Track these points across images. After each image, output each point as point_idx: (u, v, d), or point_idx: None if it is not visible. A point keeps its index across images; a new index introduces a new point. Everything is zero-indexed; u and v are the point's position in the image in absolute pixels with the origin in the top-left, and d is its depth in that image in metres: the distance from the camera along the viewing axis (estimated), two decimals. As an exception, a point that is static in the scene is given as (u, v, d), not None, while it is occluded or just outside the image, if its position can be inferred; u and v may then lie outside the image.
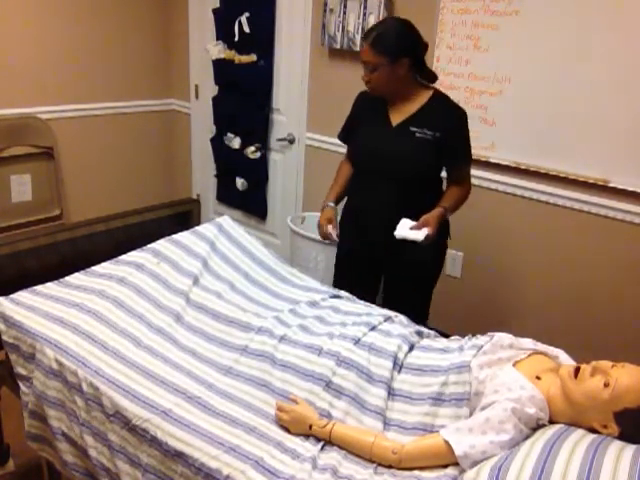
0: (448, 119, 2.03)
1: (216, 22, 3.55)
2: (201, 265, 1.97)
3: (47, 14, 3.24)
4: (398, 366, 1.53)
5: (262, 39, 3.32)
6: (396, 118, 2.07)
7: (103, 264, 2.01)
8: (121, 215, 2.44)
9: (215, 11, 3.54)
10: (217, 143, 3.74)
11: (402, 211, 2.01)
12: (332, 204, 2.22)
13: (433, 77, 2.10)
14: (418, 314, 2.04)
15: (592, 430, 1.27)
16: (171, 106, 4.01)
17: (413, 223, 1.96)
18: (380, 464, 1.31)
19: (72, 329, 1.69)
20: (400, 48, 1.93)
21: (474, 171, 2.65)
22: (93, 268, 1.99)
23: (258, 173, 3.55)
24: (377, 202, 2.11)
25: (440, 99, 2.06)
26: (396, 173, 2.05)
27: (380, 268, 2.23)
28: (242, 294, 1.91)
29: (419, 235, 1.92)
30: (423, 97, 2.04)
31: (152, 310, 1.79)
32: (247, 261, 2.06)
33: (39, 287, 1.90)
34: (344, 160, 2.30)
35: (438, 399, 1.43)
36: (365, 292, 2.11)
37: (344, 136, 2.27)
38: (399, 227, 1.96)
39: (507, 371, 1.38)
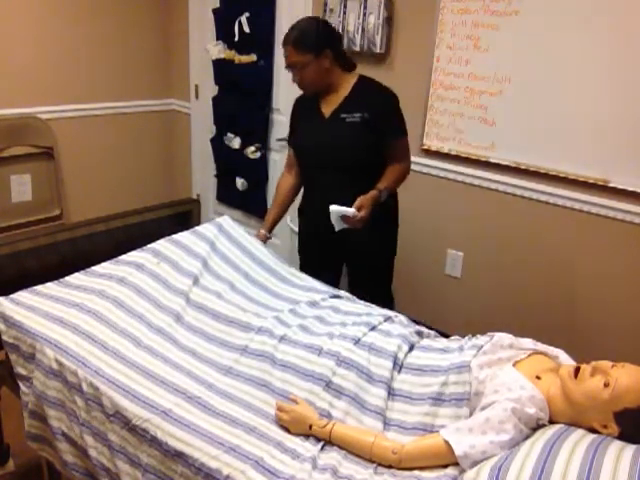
0: (374, 99, 2.11)
1: (216, 22, 3.55)
2: (201, 265, 1.97)
3: (47, 14, 3.24)
4: (398, 366, 1.53)
5: (262, 39, 3.32)
6: (327, 109, 2.16)
7: (103, 264, 2.01)
8: (121, 215, 2.44)
9: (215, 11, 3.54)
10: (217, 143, 3.74)
11: (350, 198, 2.04)
12: (265, 232, 2.31)
13: (353, 65, 2.19)
14: (381, 298, 2.11)
15: (592, 430, 1.27)
16: (171, 106, 4.01)
17: (342, 208, 2.01)
18: (380, 464, 1.31)
19: (72, 329, 1.69)
20: (320, 41, 2.04)
21: (474, 171, 2.67)
22: (93, 268, 1.99)
23: (258, 173, 3.55)
24: (325, 193, 2.18)
25: (366, 82, 2.15)
26: (336, 162, 2.15)
27: (337, 254, 2.33)
28: (242, 294, 1.91)
29: (349, 210, 1.98)
30: (349, 83, 2.14)
31: (152, 310, 1.79)
32: (247, 261, 2.06)
33: (39, 287, 1.90)
34: (284, 172, 2.40)
35: (438, 399, 1.43)
36: (327, 275, 2.22)
37: (289, 142, 2.36)
38: (331, 213, 2.02)
39: (507, 371, 1.38)
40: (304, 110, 2.25)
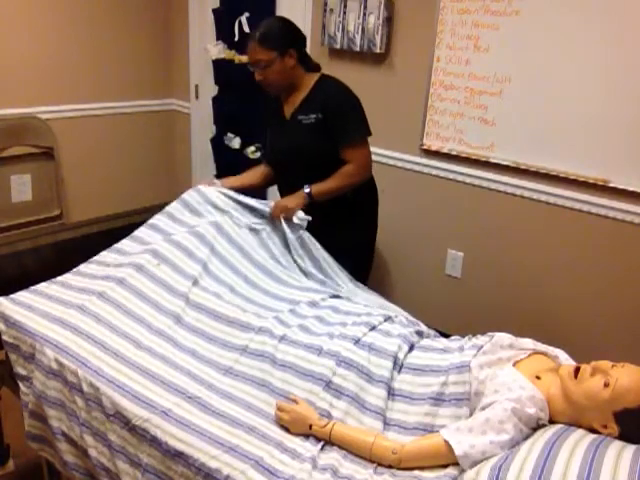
0: (328, 99, 2.09)
1: (216, 22, 3.55)
2: (201, 268, 1.95)
3: (47, 14, 3.24)
4: (398, 366, 1.53)
5: (262, 39, 3.31)
6: (288, 111, 2.18)
7: (103, 253, 2.03)
8: (121, 215, 2.45)
9: (215, 11, 3.54)
10: (217, 143, 3.74)
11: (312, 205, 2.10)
12: (216, 181, 2.26)
13: (317, 67, 2.20)
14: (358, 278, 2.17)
15: (592, 430, 1.27)
16: (171, 106, 4.01)
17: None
18: (380, 464, 1.31)
19: (72, 329, 1.69)
20: (286, 40, 2.05)
21: (474, 171, 2.66)
22: (93, 264, 1.99)
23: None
24: (288, 194, 2.21)
25: (326, 82, 2.14)
26: (296, 164, 2.17)
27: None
28: (242, 296, 1.90)
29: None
30: (310, 83, 2.14)
31: (152, 313, 1.78)
32: (246, 264, 2.04)
33: (39, 286, 1.90)
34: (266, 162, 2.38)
35: (438, 399, 1.43)
36: None
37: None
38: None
39: (507, 371, 1.38)
40: (271, 110, 2.27)
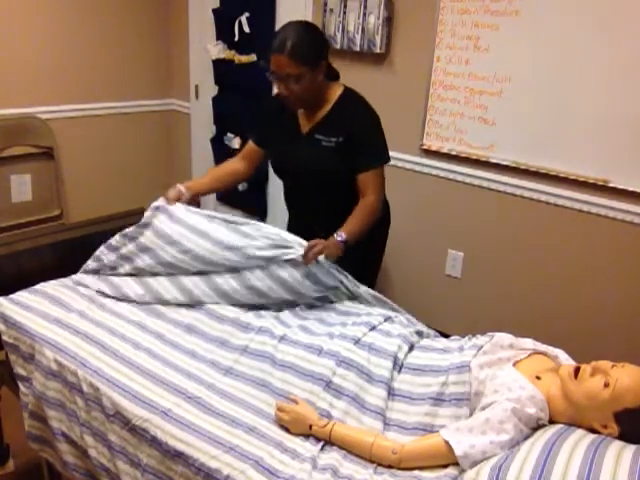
0: (353, 122, 1.93)
1: (216, 22, 3.55)
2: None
3: (47, 14, 3.24)
4: (398, 366, 1.53)
5: (262, 39, 3.31)
6: (306, 125, 2.01)
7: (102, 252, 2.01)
8: (121, 215, 2.45)
9: (215, 11, 3.54)
10: (217, 143, 3.74)
11: (331, 217, 1.94)
12: (185, 192, 1.99)
13: (337, 74, 2.03)
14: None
15: (592, 430, 1.27)
16: (171, 106, 4.01)
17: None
18: (380, 464, 1.31)
19: (71, 330, 1.69)
20: (318, 53, 1.87)
21: (474, 171, 2.67)
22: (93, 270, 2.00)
23: (258, 173, 3.53)
24: (306, 212, 2.14)
25: (349, 97, 1.98)
26: (311, 184, 2.04)
27: None
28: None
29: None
30: (333, 98, 1.96)
31: (152, 320, 1.79)
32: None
33: (38, 286, 1.91)
34: (234, 158, 2.19)
35: (438, 399, 1.43)
36: None
37: (258, 140, 2.16)
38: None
39: (507, 371, 1.38)
40: (281, 116, 2.06)
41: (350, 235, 1.86)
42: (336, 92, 1.97)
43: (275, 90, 1.96)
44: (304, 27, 1.89)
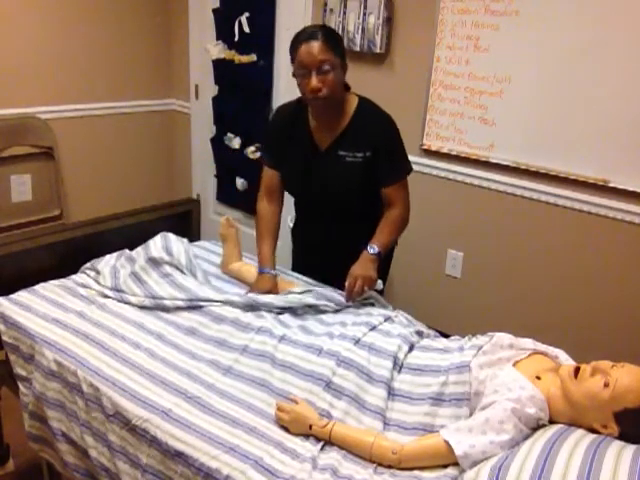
0: (378, 135, 1.84)
1: (216, 22, 3.55)
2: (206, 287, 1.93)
3: (47, 14, 3.23)
4: (398, 366, 1.53)
5: (262, 39, 3.32)
6: (323, 140, 1.88)
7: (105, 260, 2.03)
8: (121, 215, 2.45)
9: (215, 11, 3.54)
10: (217, 143, 3.74)
11: (346, 242, 1.88)
12: (272, 272, 1.91)
13: (348, 86, 1.91)
14: None
15: (592, 430, 1.27)
16: (171, 106, 4.01)
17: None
18: (380, 464, 1.31)
19: (71, 330, 1.69)
20: (344, 50, 1.80)
21: (474, 171, 2.67)
22: (92, 274, 2.00)
23: (258, 173, 3.54)
24: (320, 236, 2.01)
25: (366, 108, 1.87)
26: (333, 204, 1.92)
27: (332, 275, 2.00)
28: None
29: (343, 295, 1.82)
30: (349, 109, 1.85)
31: (151, 320, 1.79)
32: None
33: (38, 287, 1.91)
34: (263, 199, 2.02)
35: (438, 399, 1.42)
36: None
37: (269, 163, 2.01)
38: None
39: (507, 371, 1.38)
40: (294, 137, 1.92)
41: (382, 248, 1.82)
42: (352, 102, 1.87)
43: (299, 91, 1.81)
44: (323, 26, 1.84)
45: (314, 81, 1.72)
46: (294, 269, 2.18)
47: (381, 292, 1.96)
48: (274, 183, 2.01)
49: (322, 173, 1.89)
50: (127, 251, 2.06)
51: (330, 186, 1.89)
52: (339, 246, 1.96)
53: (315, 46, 1.70)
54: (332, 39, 1.75)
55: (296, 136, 1.92)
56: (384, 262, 2.00)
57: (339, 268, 1.83)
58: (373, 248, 1.80)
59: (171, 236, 2.05)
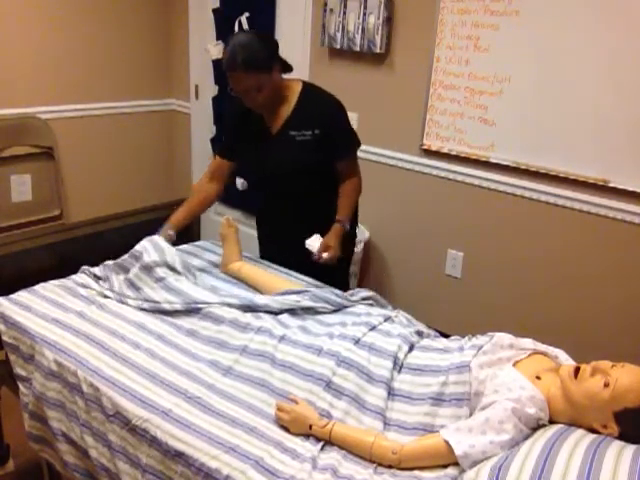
0: (324, 114, 1.99)
1: (216, 22, 3.55)
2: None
3: (47, 14, 3.24)
4: (398, 366, 1.53)
5: (262, 39, 3.32)
6: (274, 125, 2.03)
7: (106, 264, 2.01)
8: (121, 215, 2.45)
9: (215, 11, 3.54)
10: (217, 143, 3.74)
11: (308, 220, 2.05)
12: (173, 234, 2.08)
13: (290, 67, 2.03)
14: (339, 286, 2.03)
15: (592, 430, 1.27)
16: (171, 106, 4.01)
17: (321, 240, 1.99)
18: (380, 464, 1.31)
19: (71, 330, 1.69)
20: (269, 55, 1.88)
21: (474, 171, 2.67)
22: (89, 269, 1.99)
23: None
24: (280, 217, 2.15)
25: (312, 92, 2.03)
26: (289, 181, 2.06)
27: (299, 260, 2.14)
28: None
29: (314, 254, 1.98)
30: (295, 93, 2.00)
31: (152, 320, 1.79)
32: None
33: (38, 287, 1.91)
34: (203, 179, 2.19)
35: (438, 399, 1.42)
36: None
37: (220, 153, 2.17)
38: (310, 241, 2.01)
39: (507, 371, 1.38)
40: (247, 124, 2.07)
41: (348, 219, 2.05)
42: (296, 87, 2.02)
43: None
44: (244, 38, 1.87)
45: (247, 102, 1.93)
46: (262, 257, 2.29)
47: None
48: (220, 169, 2.17)
49: (277, 154, 2.04)
50: (111, 262, 2.02)
51: (285, 164, 2.03)
52: (299, 222, 2.09)
53: (236, 76, 1.84)
54: (251, 61, 1.81)
55: (250, 123, 2.06)
56: (349, 240, 2.20)
57: (300, 243, 2.00)
58: (342, 223, 2.04)
59: (157, 238, 2.02)
